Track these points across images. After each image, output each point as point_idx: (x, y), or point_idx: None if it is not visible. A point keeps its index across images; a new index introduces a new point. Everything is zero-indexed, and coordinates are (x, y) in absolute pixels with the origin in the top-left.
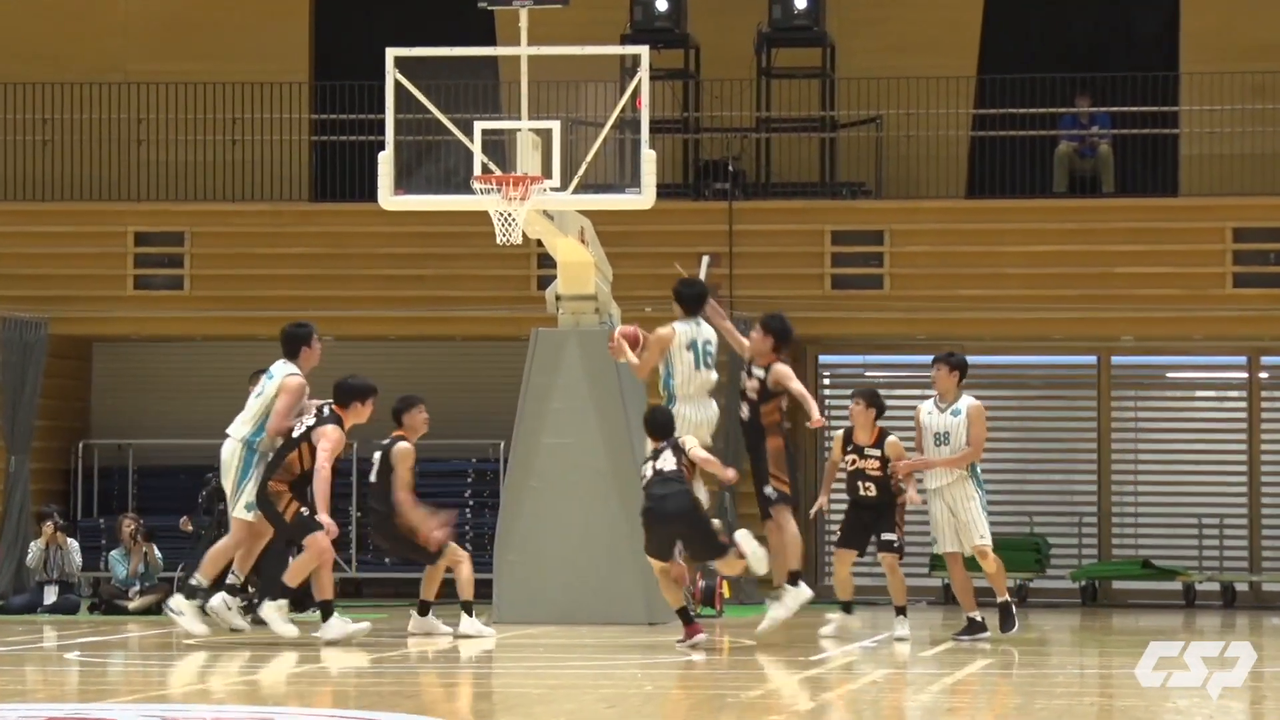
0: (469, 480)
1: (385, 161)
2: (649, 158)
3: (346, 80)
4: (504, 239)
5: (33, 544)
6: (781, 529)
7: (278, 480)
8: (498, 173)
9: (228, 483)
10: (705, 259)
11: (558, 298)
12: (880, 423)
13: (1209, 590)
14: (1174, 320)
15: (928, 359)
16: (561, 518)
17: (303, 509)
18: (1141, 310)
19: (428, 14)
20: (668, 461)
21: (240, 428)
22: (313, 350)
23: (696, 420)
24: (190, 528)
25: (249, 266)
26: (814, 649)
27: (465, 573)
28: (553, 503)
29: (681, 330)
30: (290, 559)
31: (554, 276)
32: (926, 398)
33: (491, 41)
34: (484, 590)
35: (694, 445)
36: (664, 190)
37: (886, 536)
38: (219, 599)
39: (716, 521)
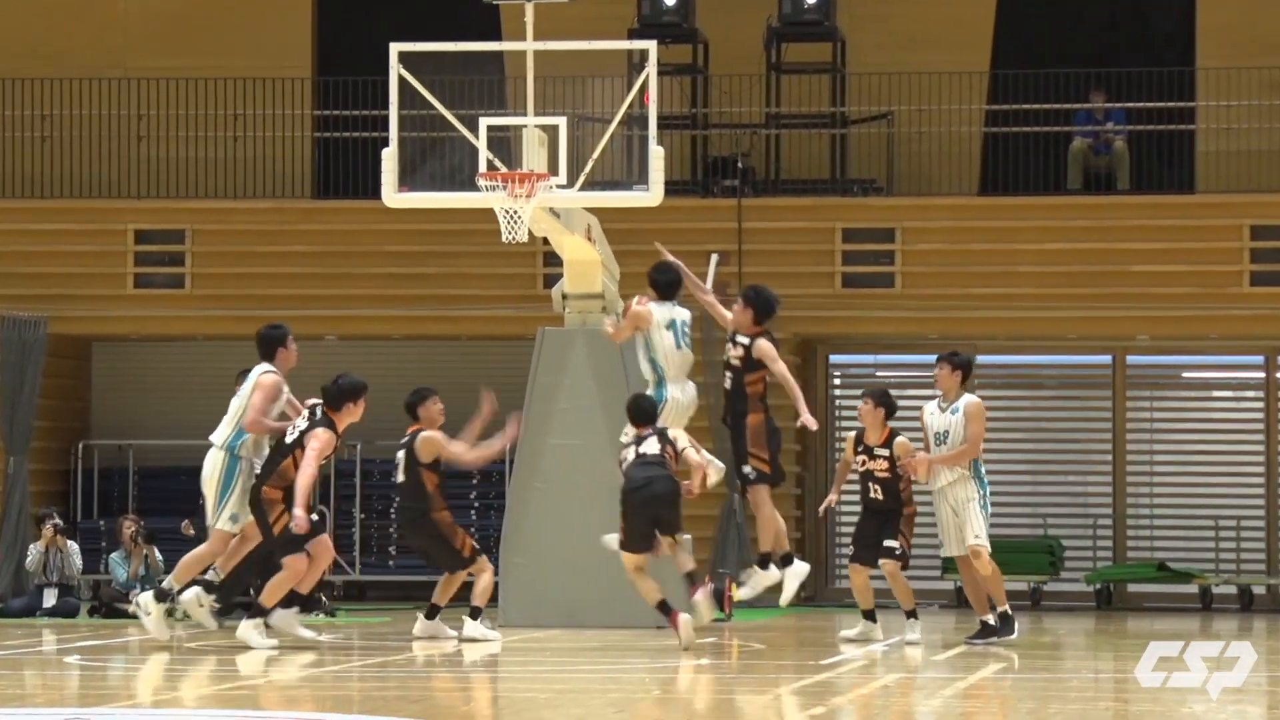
0: (474, 482)
1: (389, 158)
2: (657, 154)
3: (350, 76)
4: (510, 237)
5: (32, 546)
6: (757, 510)
7: (272, 486)
8: (503, 169)
9: (209, 492)
10: (714, 257)
11: (564, 296)
12: (892, 423)
13: (1226, 593)
14: (1190, 319)
15: None
16: (568, 520)
17: (291, 524)
18: (1157, 309)
19: (432, 8)
20: (651, 446)
21: (221, 432)
22: (289, 351)
23: (685, 402)
24: (193, 531)
25: (251, 265)
26: (825, 653)
27: (485, 581)
28: (559, 504)
29: (659, 310)
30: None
31: (560, 275)
32: (937, 398)
33: (497, 36)
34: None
35: (687, 446)
36: (672, 187)
37: (889, 544)
38: (192, 593)
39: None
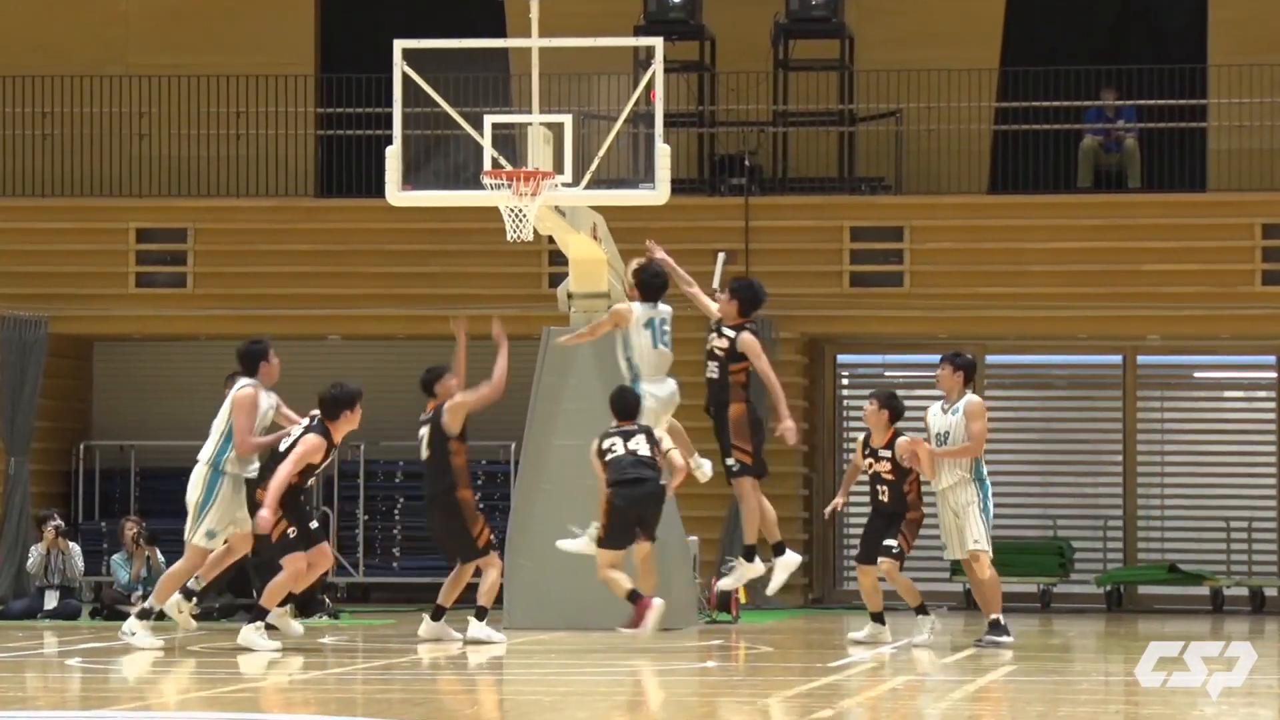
0: (479, 483)
1: (393, 156)
2: (663, 152)
3: (353, 73)
4: (514, 235)
5: (33, 548)
6: (741, 501)
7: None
8: (508, 167)
9: (190, 504)
10: (720, 256)
11: (569, 296)
12: (900, 425)
13: (1237, 595)
14: (1201, 319)
15: None
16: (573, 521)
17: (290, 529)
18: (1168, 308)
19: (436, 5)
20: (642, 446)
21: (206, 449)
22: (271, 365)
23: (662, 398)
24: None
25: (253, 264)
26: (833, 655)
27: (492, 579)
28: (564, 506)
29: (639, 309)
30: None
31: (566, 274)
32: (941, 399)
33: (501, 33)
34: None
35: (670, 449)
36: (679, 185)
37: (887, 542)
38: (173, 598)
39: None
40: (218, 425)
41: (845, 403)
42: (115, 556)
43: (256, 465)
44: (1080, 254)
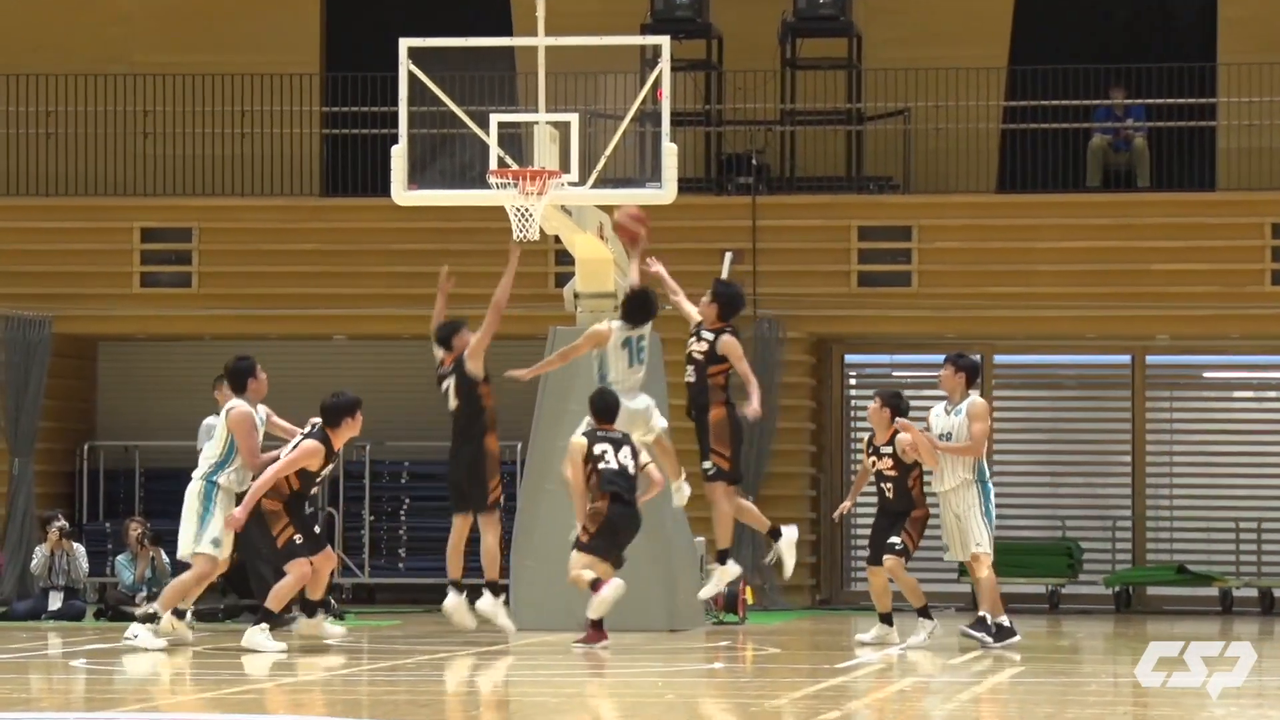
0: None
1: (398, 155)
2: (670, 151)
3: (358, 72)
4: (521, 235)
5: (37, 549)
6: (713, 506)
7: (271, 500)
8: (514, 167)
9: (188, 519)
10: (728, 256)
11: (576, 295)
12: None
13: (1247, 596)
14: (1211, 318)
15: None
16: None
17: (295, 536)
18: (1177, 308)
19: (441, 3)
20: (629, 460)
21: (200, 468)
22: (259, 381)
23: (634, 410)
24: None
25: (258, 263)
26: (841, 656)
27: (490, 544)
28: (570, 507)
29: (617, 329)
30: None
31: (572, 273)
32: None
33: (507, 31)
34: None
35: (649, 464)
36: (685, 185)
37: (891, 540)
38: (165, 618)
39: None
40: (210, 450)
41: (853, 403)
42: (120, 557)
43: (250, 478)
44: (1089, 253)
